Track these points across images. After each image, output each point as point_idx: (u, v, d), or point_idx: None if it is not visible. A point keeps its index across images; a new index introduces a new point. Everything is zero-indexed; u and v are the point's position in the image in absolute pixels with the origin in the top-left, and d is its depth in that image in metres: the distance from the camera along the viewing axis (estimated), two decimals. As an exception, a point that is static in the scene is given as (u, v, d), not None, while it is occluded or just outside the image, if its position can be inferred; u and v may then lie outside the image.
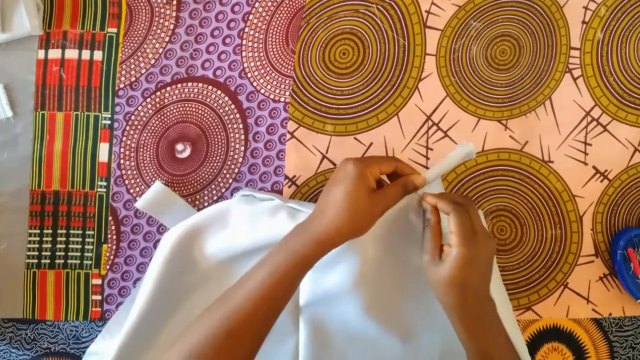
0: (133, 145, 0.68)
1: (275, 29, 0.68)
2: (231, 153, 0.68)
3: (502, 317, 0.50)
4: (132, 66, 0.67)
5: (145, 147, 0.68)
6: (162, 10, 0.68)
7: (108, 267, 0.67)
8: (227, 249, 0.58)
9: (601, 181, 0.69)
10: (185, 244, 0.58)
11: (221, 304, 0.46)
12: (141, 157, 0.68)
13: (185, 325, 0.46)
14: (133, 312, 0.55)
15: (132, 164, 0.68)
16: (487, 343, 0.48)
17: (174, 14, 0.68)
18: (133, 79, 0.67)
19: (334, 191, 0.47)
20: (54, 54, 0.67)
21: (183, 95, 0.68)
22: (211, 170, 0.68)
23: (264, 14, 0.68)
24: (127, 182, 0.68)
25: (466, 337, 0.48)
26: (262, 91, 0.68)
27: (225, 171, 0.68)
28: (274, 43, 0.68)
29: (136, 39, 0.68)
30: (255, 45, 0.68)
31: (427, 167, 0.68)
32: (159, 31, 0.68)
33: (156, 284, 0.56)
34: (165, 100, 0.68)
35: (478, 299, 0.48)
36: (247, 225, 0.58)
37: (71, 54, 0.67)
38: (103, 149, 0.67)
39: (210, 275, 0.59)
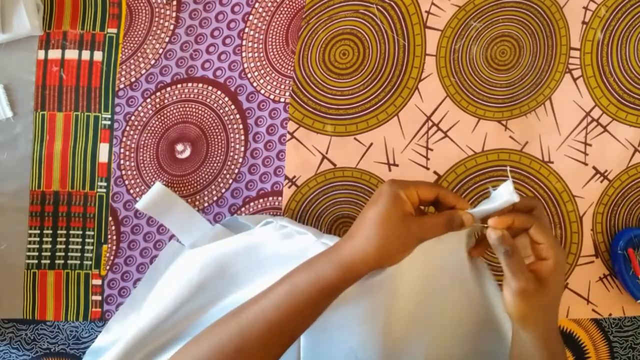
0: (133, 145, 0.68)
1: (275, 30, 0.68)
2: (231, 153, 0.68)
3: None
4: (132, 66, 0.67)
5: (145, 148, 0.68)
6: (162, 10, 0.68)
7: (108, 267, 0.67)
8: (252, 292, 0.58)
9: (601, 181, 0.69)
10: (215, 272, 0.56)
11: (233, 318, 0.43)
12: (141, 158, 0.68)
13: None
14: (143, 320, 0.55)
15: (132, 164, 0.68)
16: (558, 336, 0.46)
17: (174, 14, 0.68)
18: (133, 79, 0.67)
19: (366, 213, 0.43)
20: (54, 54, 0.67)
21: (183, 96, 0.68)
22: (211, 171, 0.68)
23: (264, 14, 0.68)
24: (127, 182, 0.67)
25: (549, 337, 0.44)
26: (262, 91, 0.68)
27: (225, 172, 0.68)
28: (274, 43, 0.68)
29: (136, 39, 0.67)
30: (255, 45, 0.68)
31: (427, 168, 0.68)
32: (159, 32, 0.68)
33: (177, 302, 0.54)
34: (165, 101, 0.68)
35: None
36: (277, 270, 0.57)
37: (71, 54, 0.67)
38: (103, 149, 0.67)
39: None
